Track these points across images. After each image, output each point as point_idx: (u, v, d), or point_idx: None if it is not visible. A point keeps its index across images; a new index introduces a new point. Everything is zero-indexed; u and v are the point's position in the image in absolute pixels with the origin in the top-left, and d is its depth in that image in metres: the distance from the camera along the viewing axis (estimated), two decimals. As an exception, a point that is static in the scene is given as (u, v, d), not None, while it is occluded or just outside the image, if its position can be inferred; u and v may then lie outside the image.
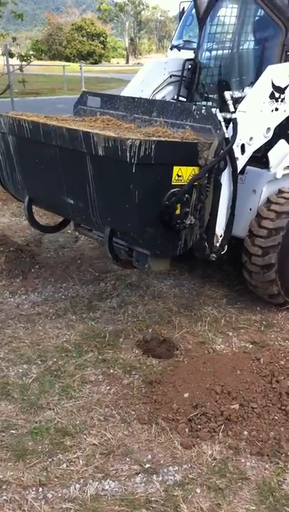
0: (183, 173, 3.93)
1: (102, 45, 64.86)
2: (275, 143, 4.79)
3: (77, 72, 28.66)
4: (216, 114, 4.23)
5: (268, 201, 4.75)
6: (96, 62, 60.14)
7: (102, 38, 64.48)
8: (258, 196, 4.83)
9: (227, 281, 5.43)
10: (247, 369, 3.75)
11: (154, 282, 5.43)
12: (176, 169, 3.88)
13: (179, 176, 3.91)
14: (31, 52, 12.54)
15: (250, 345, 4.38)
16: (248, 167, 4.86)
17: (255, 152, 4.62)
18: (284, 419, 3.48)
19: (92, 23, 65.68)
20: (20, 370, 4.03)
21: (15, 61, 13.76)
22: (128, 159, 3.55)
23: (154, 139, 3.79)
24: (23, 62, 12.16)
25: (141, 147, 3.56)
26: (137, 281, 5.43)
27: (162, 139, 3.95)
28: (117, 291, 5.21)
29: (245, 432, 3.40)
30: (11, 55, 12.40)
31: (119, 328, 4.58)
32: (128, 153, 3.53)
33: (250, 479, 3.09)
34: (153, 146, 3.63)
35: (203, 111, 4.28)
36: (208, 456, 3.24)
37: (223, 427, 3.42)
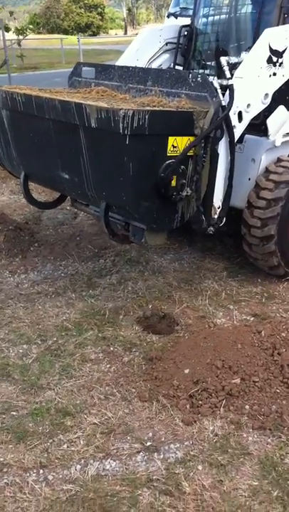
0: (178, 144, 3.81)
1: (100, 17, 63.73)
2: (274, 109, 4.65)
3: (76, 45, 28.18)
4: (211, 81, 4.10)
5: (267, 171, 4.63)
6: (94, 34, 59.14)
7: (99, 10, 63.33)
8: (257, 165, 4.71)
9: (227, 254, 5.34)
10: (248, 342, 3.68)
11: (153, 257, 5.35)
12: (171, 140, 3.76)
13: (174, 146, 3.79)
14: (29, 26, 12.18)
15: (252, 318, 4.31)
16: (246, 135, 4.73)
17: (253, 119, 4.49)
18: (286, 392, 3.42)
19: (90, -6, 64.43)
20: (21, 351, 3.99)
21: (11, 35, 13.51)
22: (121, 130, 3.45)
23: (148, 108, 3.67)
24: (20, 37, 11.94)
25: (134, 117, 3.45)
26: (137, 256, 5.35)
27: (156, 108, 3.83)
28: (116, 268, 5.13)
29: (247, 407, 3.34)
30: (7, 29, 12.14)
31: (119, 305, 4.52)
32: (121, 124, 3.42)
33: (253, 454, 3.05)
34: (146, 117, 3.51)
35: (198, 78, 4.13)
36: (209, 432, 3.20)
37: (224, 402, 3.37)
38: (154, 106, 4.05)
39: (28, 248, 5.45)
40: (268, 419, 3.26)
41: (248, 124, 4.47)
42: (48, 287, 4.83)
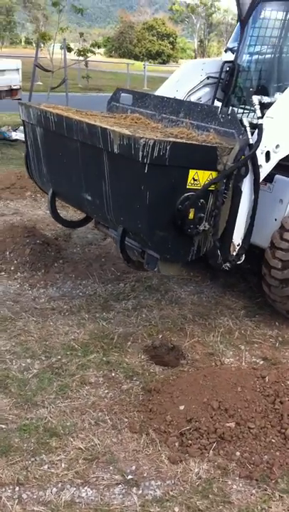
0: (199, 178, 3.81)
1: (172, 46, 64.84)
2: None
3: (143, 71, 28.83)
4: (241, 119, 4.08)
5: (294, 213, 4.55)
6: (164, 62, 60.16)
7: (171, 39, 64.47)
8: (284, 206, 4.63)
9: (249, 293, 5.25)
10: (249, 386, 3.58)
11: (174, 287, 5.31)
12: (192, 173, 3.76)
13: (194, 179, 3.79)
14: (91, 49, 12.52)
15: (261, 361, 4.20)
16: (276, 175, 4.68)
17: (284, 161, 4.44)
18: (281, 443, 3.30)
19: (164, 23, 65.74)
20: (23, 364, 4.01)
21: (73, 56, 13.88)
22: (140, 159, 3.48)
23: (170, 139, 3.69)
24: (80, 57, 12.27)
25: (155, 147, 3.47)
26: (157, 284, 5.32)
27: (178, 140, 3.84)
28: (134, 293, 5.12)
29: (238, 453, 3.24)
30: (69, 50, 12.50)
31: (130, 331, 4.49)
32: (141, 153, 3.46)
33: (234, 503, 2.94)
34: (168, 147, 3.53)
35: (227, 115, 4.13)
36: (193, 474, 3.10)
37: (215, 445, 3.27)
38: (182, 137, 4.08)
39: (52, 264, 5.51)
40: (256, 469, 3.14)
41: (280, 165, 4.43)
42: (63, 304, 4.86)
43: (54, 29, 13.69)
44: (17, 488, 2.96)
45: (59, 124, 4.28)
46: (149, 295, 5.12)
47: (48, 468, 3.11)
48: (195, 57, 74.62)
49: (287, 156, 4.36)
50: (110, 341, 4.34)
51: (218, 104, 5.64)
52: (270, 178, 4.61)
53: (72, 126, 4.12)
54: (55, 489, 2.97)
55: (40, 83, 19.88)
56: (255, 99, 4.29)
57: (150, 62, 46.19)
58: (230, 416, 3.39)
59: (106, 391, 3.79)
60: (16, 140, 10.55)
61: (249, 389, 3.57)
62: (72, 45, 15.18)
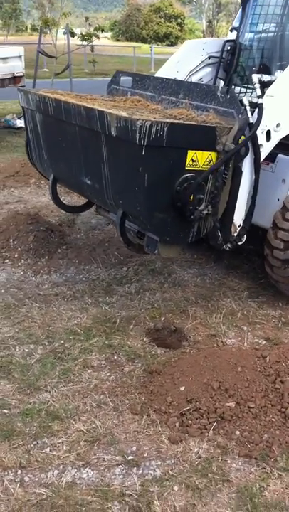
0: (198, 158, 3.78)
1: (180, 27, 64.08)
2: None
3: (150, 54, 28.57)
4: (241, 98, 4.04)
5: (296, 192, 4.51)
6: (172, 44, 59.55)
7: (179, 20, 63.70)
8: (287, 186, 4.59)
9: (252, 274, 5.23)
10: (249, 366, 3.58)
11: (177, 270, 5.31)
12: (190, 153, 3.74)
13: (193, 160, 3.76)
14: (95, 33, 12.42)
15: (263, 342, 4.20)
16: (279, 155, 4.64)
17: (287, 139, 4.39)
18: (281, 422, 3.30)
19: (171, 5, 64.92)
20: (26, 350, 4.04)
21: (78, 41, 13.77)
22: (137, 140, 3.46)
23: (167, 120, 3.66)
24: (84, 42, 12.18)
25: (152, 129, 3.45)
26: (160, 267, 5.32)
27: (176, 121, 3.81)
28: (137, 277, 5.13)
29: (237, 432, 3.25)
30: (72, 35, 12.41)
31: (132, 315, 4.51)
32: (138, 135, 3.44)
33: (232, 482, 2.96)
34: (165, 129, 3.51)
35: (226, 94, 4.09)
36: (193, 454, 3.12)
37: (215, 424, 3.29)
38: (182, 118, 4.05)
39: (55, 250, 5.53)
40: (256, 448, 3.16)
41: (283, 144, 4.38)
42: (66, 290, 4.88)
43: (59, 15, 13.61)
44: (19, 472, 3.00)
45: (57, 109, 4.27)
46: (152, 278, 5.13)
47: (50, 451, 3.14)
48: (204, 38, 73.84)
49: (289, 135, 4.32)
50: (113, 325, 4.36)
51: (221, 83, 5.58)
52: (272, 157, 4.57)
53: (71, 110, 4.11)
54: (56, 471, 3.00)
55: (46, 70, 19.84)
56: (255, 77, 4.23)
57: (158, 45, 45.75)
58: (231, 396, 3.40)
59: (108, 374, 3.81)
60: (21, 128, 10.54)
61: (250, 369, 3.57)
62: (78, 30, 15.08)
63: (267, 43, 5.33)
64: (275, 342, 4.17)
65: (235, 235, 4.18)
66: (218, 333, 4.29)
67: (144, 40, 56.48)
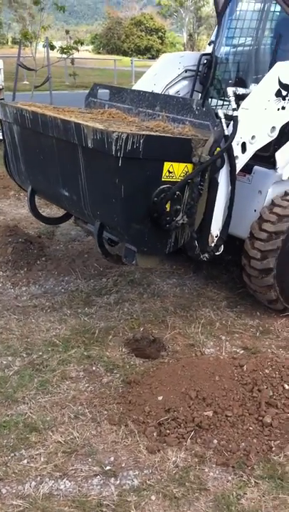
0: (175, 170, 3.82)
1: (161, 41, 64.62)
2: (284, 143, 4.61)
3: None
4: (216, 111, 4.11)
5: (272, 203, 4.58)
6: (153, 57, 59.99)
7: (160, 33, 64.25)
8: (263, 197, 4.67)
9: (231, 284, 5.28)
10: (227, 375, 3.61)
11: (156, 280, 5.34)
12: (167, 165, 3.77)
13: (170, 172, 3.80)
14: (74, 46, 12.50)
15: (241, 351, 4.23)
16: (255, 167, 4.72)
17: (262, 151, 4.46)
18: (258, 431, 3.34)
19: (152, 18, 65.51)
20: (4, 362, 4.02)
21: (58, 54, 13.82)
22: (114, 152, 3.49)
23: (143, 133, 3.70)
24: (63, 55, 12.25)
25: (128, 141, 3.49)
26: (140, 278, 5.35)
27: (152, 133, 3.86)
28: (116, 288, 5.14)
29: (215, 441, 3.27)
30: (52, 48, 12.47)
31: (111, 325, 4.52)
32: (114, 147, 3.47)
33: (210, 490, 2.97)
34: (141, 140, 3.54)
35: (202, 107, 4.15)
36: (171, 463, 3.14)
37: (192, 433, 3.30)
38: (158, 130, 4.10)
39: (34, 262, 5.52)
40: (233, 457, 3.18)
41: (259, 156, 4.45)
42: (45, 301, 4.88)
43: (39, 28, 13.66)
44: (-4, 483, 2.99)
45: (35, 121, 4.29)
46: (131, 289, 5.15)
47: (28, 462, 3.13)
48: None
49: (265, 146, 4.39)
50: (92, 336, 4.36)
51: (198, 96, 5.65)
52: (248, 169, 4.64)
53: (48, 122, 4.13)
54: (34, 483, 2.99)
55: (27, 82, 19.88)
56: (230, 90, 4.30)
57: (139, 58, 46.08)
58: (208, 405, 3.42)
59: (86, 385, 3.81)
60: (0, 141, 10.54)
61: (227, 378, 3.60)
62: (59, 44, 15.14)
63: (242, 56, 5.42)
64: (253, 351, 4.21)
65: (213, 245, 4.21)
66: (197, 342, 4.32)
67: (125, 53, 56.87)
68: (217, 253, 4.27)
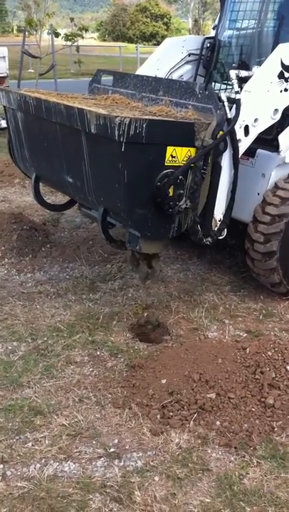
0: (177, 154, 3.81)
1: (166, 27, 64.10)
2: (288, 125, 4.59)
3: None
4: (219, 94, 4.09)
5: (275, 186, 4.57)
6: (159, 44, 59.54)
7: (165, 19, 63.74)
8: (266, 180, 4.65)
9: (235, 268, 5.28)
10: (230, 358, 3.63)
11: (160, 266, 5.33)
12: (170, 149, 3.76)
13: (173, 156, 3.79)
14: (78, 32, 12.46)
15: (244, 334, 4.25)
16: (258, 150, 4.70)
17: (265, 134, 4.45)
18: (261, 412, 3.36)
19: (157, 4, 64.95)
20: (10, 347, 4.06)
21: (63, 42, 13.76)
22: (117, 137, 3.48)
23: (146, 117, 3.69)
24: (68, 42, 12.21)
25: (131, 125, 3.47)
26: (144, 264, 5.35)
27: (155, 117, 3.85)
28: (121, 274, 5.16)
29: (218, 422, 3.30)
30: (56, 35, 12.43)
31: (115, 311, 4.54)
32: (117, 131, 3.46)
33: (212, 471, 3.00)
34: (144, 125, 3.53)
35: (205, 90, 4.13)
36: (174, 445, 3.17)
37: (195, 415, 3.33)
38: (161, 115, 4.09)
39: (39, 248, 5.55)
40: (236, 437, 3.20)
41: (262, 139, 4.44)
42: (50, 288, 4.91)
43: (43, 15, 13.59)
44: (1, 466, 3.03)
45: (38, 108, 4.29)
46: (135, 275, 5.15)
47: (32, 445, 3.17)
48: (190, 38, 73.78)
49: (268, 129, 4.37)
50: (96, 321, 4.39)
51: (201, 80, 5.62)
52: (252, 152, 4.62)
53: (51, 108, 4.13)
54: (38, 465, 3.03)
55: (32, 70, 19.78)
56: (233, 73, 4.27)
57: (144, 44, 45.74)
58: (211, 387, 3.45)
59: (91, 369, 3.85)
60: (5, 129, 10.51)
61: (230, 360, 3.62)
62: (65, 31, 15.07)
63: (245, 39, 5.38)
64: (256, 334, 4.22)
65: (216, 229, 4.21)
66: (200, 326, 4.34)
67: (130, 40, 56.47)
68: (220, 237, 4.27)
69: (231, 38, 5.53)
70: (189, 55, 5.53)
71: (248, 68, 4.94)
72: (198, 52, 5.52)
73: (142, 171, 3.69)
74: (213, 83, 5.50)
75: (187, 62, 5.55)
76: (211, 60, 5.50)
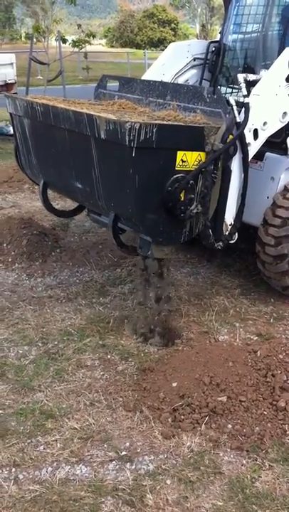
0: (188, 159, 3.82)
1: (174, 32, 64.24)
2: (297, 128, 4.59)
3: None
4: (227, 98, 4.10)
5: (285, 189, 4.56)
6: (166, 49, 59.59)
7: (173, 25, 63.87)
8: (276, 184, 4.65)
9: (245, 272, 5.28)
10: (241, 361, 3.63)
11: (170, 269, 5.34)
12: (180, 154, 3.76)
13: (183, 161, 3.80)
14: (86, 39, 12.49)
15: (255, 337, 4.24)
16: (267, 153, 4.70)
17: (274, 138, 4.45)
18: (273, 415, 3.35)
19: (164, 10, 65.08)
20: (20, 351, 4.08)
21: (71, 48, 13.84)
22: (127, 143, 3.49)
23: (156, 122, 3.70)
24: (75, 48, 12.27)
25: (141, 130, 3.48)
26: (154, 268, 5.35)
27: (165, 122, 3.86)
28: (131, 278, 5.17)
29: (229, 426, 3.29)
30: (64, 41, 12.50)
31: (126, 315, 4.55)
32: (127, 137, 3.47)
33: (224, 474, 3.00)
34: (154, 130, 3.54)
35: (213, 94, 4.14)
36: (186, 448, 3.17)
37: (207, 418, 3.33)
38: (170, 120, 4.10)
39: (49, 253, 5.58)
40: (247, 441, 3.20)
41: (270, 142, 4.44)
42: (60, 292, 4.93)
43: (51, 22, 13.70)
44: (13, 470, 3.04)
45: (45, 114, 4.31)
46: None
47: (44, 448, 3.18)
48: (197, 43, 73.92)
49: (276, 132, 4.37)
50: (106, 325, 4.40)
51: (207, 84, 5.63)
52: (260, 155, 4.62)
53: (59, 114, 4.15)
54: (50, 468, 3.04)
55: (40, 77, 19.91)
56: (240, 77, 4.29)
57: (152, 50, 45.89)
58: (222, 390, 3.44)
59: (101, 373, 3.85)
60: (12, 135, 10.61)
61: (241, 363, 3.62)
62: (72, 38, 15.14)
63: (251, 43, 5.39)
64: (267, 337, 4.21)
65: (227, 233, 4.21)
66: (211, 330, 4.34)
67: (138, 46, 56.58)
68: (231, 241, 4.27)
69: (236, 42, 5.55)
70: (194, 59, 5.55)
71: (253, 72, 4.96)
72: (203, 56, 5.54)
73: (152, 176, 3.70)
74: (219, 87, 5.51)
75: (192, 67, 5.57)
76: (217, 64, 5.51)
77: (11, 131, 10.86)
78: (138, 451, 3.17)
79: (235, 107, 4.09)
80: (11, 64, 10.40)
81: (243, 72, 5.15)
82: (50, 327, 4.39)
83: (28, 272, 5.26)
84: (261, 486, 2.92)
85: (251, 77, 4.32)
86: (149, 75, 5.41)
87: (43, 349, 4.10)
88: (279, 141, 4.60)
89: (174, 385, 3.53)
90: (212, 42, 5.54)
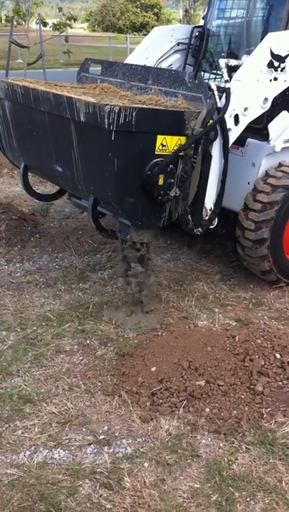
0: (168, 143, 3.80)
1: (156, 17, 63.70)
2: (277, 114, 4.59)
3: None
4: (209, 83, 4.08)
5: (266, 174, 4.58)
6: (149, 34, 59.09)
7: (156, 10, 63.32)
8: (256, 169, 4.66)
9: (225, 257, 5.30)
10: (219, 346, 3.65)
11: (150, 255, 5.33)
12: (160, 138, 3.75)
13: (163, 145, 3.78)
14: (67, 22, 12.31)
15: (234, 323, 4.27)
16: (248, 139, 4.70)
17: (255, 123, 4.45)
18: (250, 399, 3.38)
19: (147, -6, 64.53)
20: (-1, 337, 4.06)
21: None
22: (106, 126, 3.46)
23: (135, 105, 3.68)
24: (56, 32, 12.09)
25: (121, 114, 3.46)
26: (134, 253, 5.34)
27: (145, 106, 3.83)
28: (111, 263, 5.16)
29: (207, 409, 3.32)
30: (44, 24, 12.31)
31: (105, 300, 4.54)
32: (106, 120, 3.44)
33: (202, 457, 3.02)
34: (134, 114, 3.51)
35: (194, 79, 4.12)
36: (163, 431, 3.18)
37: (185, 402, 3.35)
38: (151, 104, 4.07)
39: (28, 238, 5.53)
40: (225, 424, 3.23)
41: (252, 128, 4.44)
42: (39, 277, 4.90)
43: (31, 5, 13.42)
44: (-9, 454, 3.03)
45: (26, 96, 4.26)
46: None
47: (22, 433, 3.18)
48: (180, 29, 73.53)
49: (258, 118, 4.37)
50: (86, 310, 4.39)
51: (190, 69, 5.60)
52: (242, 141, 4.62)
53: (39, 97, 4.10)
54: (28, 452, 3.04)
55: (21, 61, 19.58)
56: (222, 62, 4.27)
57: (134, 35, 45.46)
58: (200, 374, 3.46)
59: (80, 358, 3.85)
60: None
61: (219, 348, 3.64)
62: (54, 21, 14.91)
63: (234, 28, 5.37)
64: (246, 323, 4.24)
65: (206, 218, 4.21)
66: (190, 315, 4.35)
67: (120, 31, 56.03)
68: (211, 226, 4.27)
69: (220, 27, 5.52)
70: (178, 44, 5.52)
71: (236, 57, 4.93)
72: (187, 41, 5.51)
73: (132, 160, 3.68)
74: (202, 72, 5.49)
75: (176, 52, 5.54)
76: (200, 50, 5.49)
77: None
78: (116, 434, 3.18)
79: (216, 92, 4.08)
80: (-9, 46, 10.19)
81: (226, 57, 5.15)
82: (28, 312, 4.37)
83: (6, 258, 5.22)
84: (238, 468, 2.95)
85: (233, 62, 4.32)
86: (132, 59, 5.36)
87: (21, 334, 4.08)
88: (260, 127, 4.61)
89: (153, 369, 3.54)
90: (196, 27, 5.51)
